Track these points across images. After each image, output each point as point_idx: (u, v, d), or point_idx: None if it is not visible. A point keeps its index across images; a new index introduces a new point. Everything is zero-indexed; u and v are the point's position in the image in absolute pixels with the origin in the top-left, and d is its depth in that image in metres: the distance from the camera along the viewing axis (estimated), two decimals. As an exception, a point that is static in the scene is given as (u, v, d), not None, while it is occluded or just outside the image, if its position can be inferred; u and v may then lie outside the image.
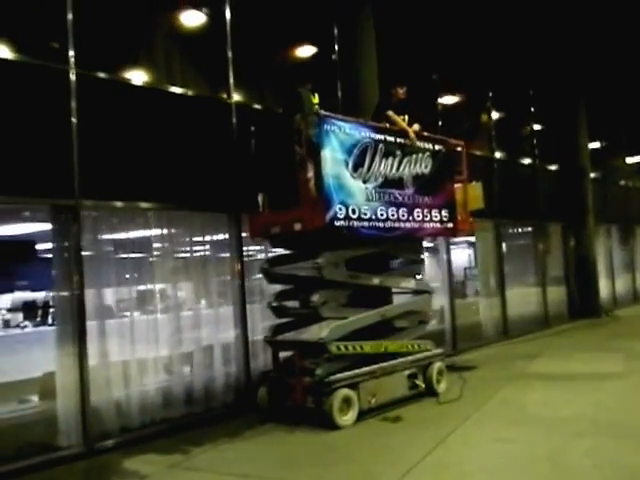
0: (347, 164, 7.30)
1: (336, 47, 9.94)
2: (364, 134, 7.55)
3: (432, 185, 8.50)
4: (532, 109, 15.69)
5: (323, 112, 7.19)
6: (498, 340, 13.23)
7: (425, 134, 8.62)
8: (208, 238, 8.19)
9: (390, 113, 8.14)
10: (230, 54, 8.29)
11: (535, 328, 14.49)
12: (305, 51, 9.56)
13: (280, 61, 9.04)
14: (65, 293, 6.61)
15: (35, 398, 7.61)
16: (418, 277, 8.88)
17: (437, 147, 8.68)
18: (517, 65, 14.25)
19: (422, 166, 8.36)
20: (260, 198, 7.67)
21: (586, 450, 5.63)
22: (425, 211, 8.35)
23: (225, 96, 8.23)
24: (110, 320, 7.12)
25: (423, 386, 8.07)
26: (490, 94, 13.96)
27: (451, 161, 8.95)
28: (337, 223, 7.06)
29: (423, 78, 11.94)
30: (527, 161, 15.58)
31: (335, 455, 6.04)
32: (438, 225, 8.58)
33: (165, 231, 7.70)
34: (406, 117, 8.50)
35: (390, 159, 7.85)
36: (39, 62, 6.45)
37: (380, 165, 7.70)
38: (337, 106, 9.61)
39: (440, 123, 12.11)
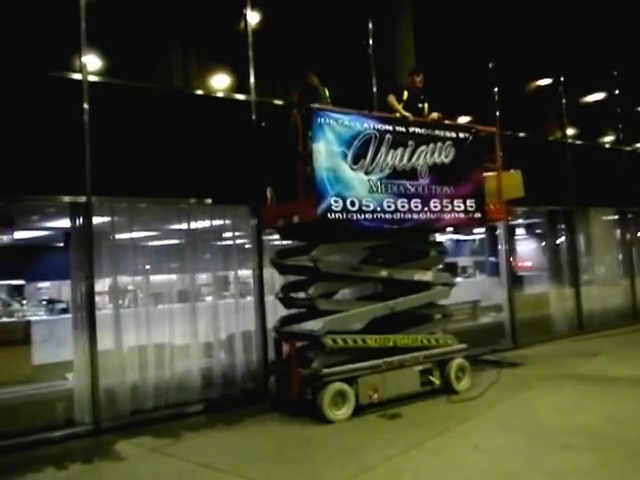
0: (345, 156, 6.81)
1: (371, 41, 9.33)
2: (367, 125, 7.00)
3: (454, 174, 7.73)
4: (617, 91, 13.80)
5: (316, 105, 6.74)
6: (570, 335, 11.88)
7: (447, 122, 7.85)
8: (229, 229, 8.03)
9: (389, 98, 7.48)
10: (251, 53, 8.05)
11: (619, 323, 12.76)
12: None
13: (307, 57, 8.60)
14: (77, 282, 6.83)
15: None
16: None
17: (461, 135, 7.86)
18: (596, 47, 12.60)
19: (442, 155, 7.61)
20: (269, 191, 7.41)
21: (558, 466, 4.83)
22: (445, 201, 7.61)
23: (245, 94, 8.01)
24: (126, 309, 7.27)
25: (438, 383, 7.39)
26: (562, 78, 12.46)
27: (479, 149, 8.06)
28: (331, 215, 6.61)
29: (477, 66, 10.91)
30: (610, 145, 13.78)
31: (302, 451, 5.67)
32: (462, 215, 7.79)
33: (185, 224, 7.71)
34: (426, 105, 7.79)
35: (400, 149, 7.23)
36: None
37: (387, 156, 7.11)
38: (371, 101, 9.08)
39: (498, 112, 11.03)
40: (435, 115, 7.70)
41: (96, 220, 6.92)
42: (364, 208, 6.87)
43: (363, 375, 6.81)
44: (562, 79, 12.49)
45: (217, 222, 7.91)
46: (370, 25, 9.36)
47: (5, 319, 11.00)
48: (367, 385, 6.82)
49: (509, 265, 11.26)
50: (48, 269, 13.13)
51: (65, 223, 8.23)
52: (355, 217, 6.80)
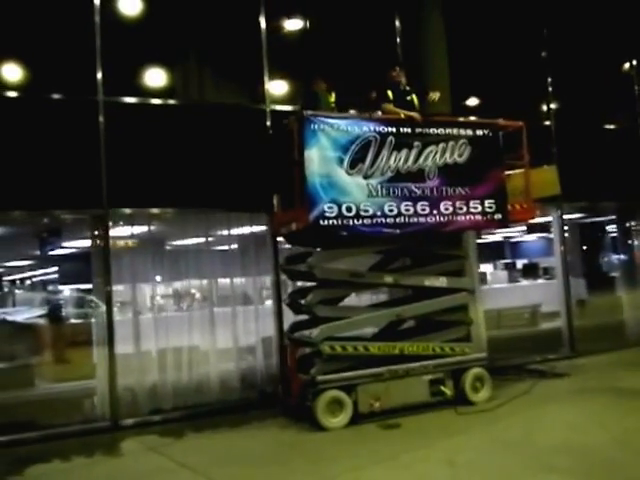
0: (342, 161, 6.77)
1: (398, 39, 9.14)
2: (366, 129, 6.91)
3: (470, 174, 7.40)
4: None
5: (309, 112, 6.75)
6: (644, 343, 10.86)
7: (461, 119, 7.55)
8: (249, 237, 8.29)
9: (389, 107, 7.29)
10: (265, 60, 8.21)
11: None
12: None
13: (329, 60, 8.61)
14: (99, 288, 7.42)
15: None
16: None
17: (479, 132, 7.51)
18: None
19: (454, 155, 7.32)
20: (275, 198, 7.55)
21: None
22: (458, 203, 7.31)
23: (260, 103, 8.18)
24: (146, 313, 7.74)
25: (449, 393, 7.11)
26: (634, 62, 11.42)
27: (499, 146, 7.65)
28: (324, 222, 6.61)
29: (527, 56, 10.31)
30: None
31: (281, 457, 5.80)
32: (479, 217, 7.44)
33: (203, 232, 8.06)
34: (414, 96, 7.52)
35: (404, 151, 7.05)
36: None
37: (389, 159, 6.97)
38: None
39: (552, 105, 10.38)
40: (438, 95, 7.45)
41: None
42: (362, 213, 6.78)
43: (363, 383, 6.74)
44: (634, 62, 11.48)
45: (237, 230, 8.21)
46: (397, 23, 9.19)
47: (74, 320, 12.10)
48: (368, 393, 6.73)
49: (565, 267, 10.53)
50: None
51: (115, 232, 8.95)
52: (352, 222, 6.74)
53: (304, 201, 6.64)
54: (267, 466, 5.51)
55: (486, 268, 21.41)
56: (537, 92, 10.38)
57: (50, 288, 16.91)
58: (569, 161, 9.64)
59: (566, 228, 16.46)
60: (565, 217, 13.32)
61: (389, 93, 7.39)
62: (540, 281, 17.27)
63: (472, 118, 7.79)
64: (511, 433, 6.05)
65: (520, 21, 10.09)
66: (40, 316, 12.64)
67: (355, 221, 6.77)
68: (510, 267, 19.30)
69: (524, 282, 17.20)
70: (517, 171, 7.88)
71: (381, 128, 6.98)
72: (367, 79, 8.64)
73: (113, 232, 7.47)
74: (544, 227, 17.81)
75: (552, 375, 8.72)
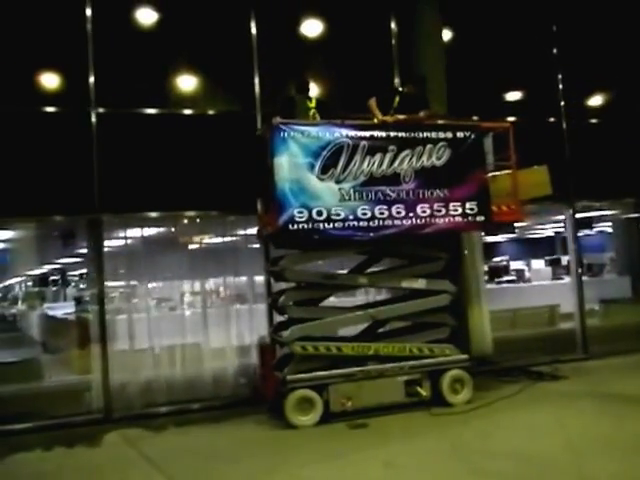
0: (312, 167, 7.03)
1: (393, 41, 9.26)
2: (338, 134, 7.13)
3: (449, 176, 7.49)
4: None
5: (278, 119, 7.03)
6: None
7: (441, 122, 7.62)
8: (237, 239, 8.73)
9: (370, 102, 7.52)
10: (256, 66, 8.56)
11: None
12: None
13: (321, 62, 8.87)
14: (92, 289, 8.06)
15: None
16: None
17: (459, 134, 7.55)
18: None
19: (432, 157, 7.42)
20: (259, 203, 7.90)
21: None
22: (437, 205, 7.41)
23: (251, 110, 8.55)
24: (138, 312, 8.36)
25: (424, 394, 7.24)
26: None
27: (482, 147, 7.67)
28: (293, 226, 6.89)
29: (536, 54, 10.14)
30: None
31: (238, 452, 6.16)
32: (459, 219, 7.50)
33: (198, 234, 8.57)
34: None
35: (378, 155, 7.23)
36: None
37: (362, 163, 7.17)
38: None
39: (563, 102, 10.19)
40: (422, 114, 7.54)
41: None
42: (333, 217, 7.01)
43: (334, 383, 6.99)
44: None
45: (228, 232, 8.67)
46: (393, 25, 9.29)
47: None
48: (339, 393, 6.97)
49: (579, 266, 10.31)
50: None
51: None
52: (323, 226, 6.97)
53: (274, 206, 6.96)
54: (219, 460, 5.88)
55: (535, 264, 21.03)
56: (546, 89, 10.20)
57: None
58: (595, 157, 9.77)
59: (609, 224, 16.00)
60: (611, 212, 13.20)
61: (396, 99, 7.64)
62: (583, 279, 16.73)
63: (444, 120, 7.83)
64: (469, 437, 6.16)
65: (525, 16, 9.93)
66: (79, 311, 13.61)
67: (326, 225, 7.01)
68: (555, 263, 18.76)
69: (566, 279, 16.74)
70: (504, 172, 7.88)
71: (353, 133, 7.19)
72: (361, 82, 8.89)
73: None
74: (589, 223, 17.39)
75: (550, 377, 8.65)
